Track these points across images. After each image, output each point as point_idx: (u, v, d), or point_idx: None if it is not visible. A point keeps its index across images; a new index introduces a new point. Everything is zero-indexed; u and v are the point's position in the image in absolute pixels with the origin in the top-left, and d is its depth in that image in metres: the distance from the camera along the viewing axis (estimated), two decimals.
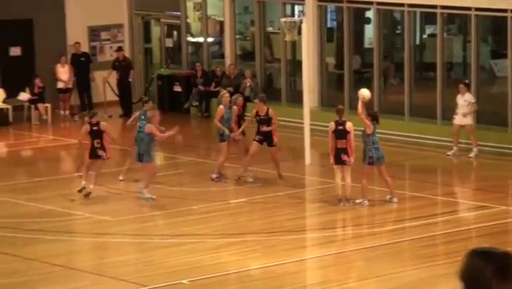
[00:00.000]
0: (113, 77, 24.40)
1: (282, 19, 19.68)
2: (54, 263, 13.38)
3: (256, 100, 17.60)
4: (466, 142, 19.63)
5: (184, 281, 12.64)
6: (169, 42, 25.62)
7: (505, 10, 19.67)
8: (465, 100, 19.49)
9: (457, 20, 21.71)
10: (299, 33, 19.09)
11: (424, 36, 22.33)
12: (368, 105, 16.76)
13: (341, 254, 13.86)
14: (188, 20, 25.17)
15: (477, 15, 20.26)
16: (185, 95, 24.08)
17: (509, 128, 19.93)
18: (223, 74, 23.75)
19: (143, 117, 17.12)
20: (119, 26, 25.36)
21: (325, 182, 17.33)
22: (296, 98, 21.51)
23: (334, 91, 22.81)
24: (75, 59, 24.53)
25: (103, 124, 16.66)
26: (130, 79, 24.40)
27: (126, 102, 24.20)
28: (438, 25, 20.82)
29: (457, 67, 21.85)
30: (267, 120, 17.28)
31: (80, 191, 16.42)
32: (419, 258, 13.52)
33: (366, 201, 16.07)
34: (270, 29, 24.02)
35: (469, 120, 19.50)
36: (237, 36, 24.29)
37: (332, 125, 16.09)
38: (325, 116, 19.58)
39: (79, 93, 24.65)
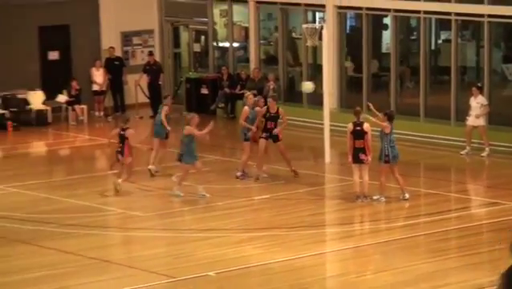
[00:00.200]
0: (144, 80, 24.59)
1: (304, 25, 19.77)
2: (88, 256, 13.56)
3: (269, 99, 17.83)
4: (479, 142, 19.64)
5: (210, 273, 12.76)
6: (197, 47, 25.77)
7: None
8: (477, 102, 19.50)
9: (470, 26, 21.69)
10: (320, 38, 19.19)
11: (439, 41, 22.32)
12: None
13: (358, 247, 13.94)
14: (215, 26, 25.31)
15: (489, 22, 20.26)
16: (212, 98, 24.23)
17: None
18: (248, 77, 23.88)
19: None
20: (150, 32, 25.56)
21: (344, 180, 17.42)
22: (317, 100, 21.58)
23: (352, 93, 22.85)
24: (109, 62, 24.73)
25: (129, 132, 16.86)
26: (160, 82, 24.57)
27: (156, 104, 24.33)
28: (452, 31, 20.83)
29: (470, 71, 21.83)
30: (276, 118, 17.53)
31: (117, 190, 16.80)
32: (432, 252, 13.57)
33: (383, 198, 16.14)
34: (292, 34, 24.11)
35: (481, 122, 19.52)
36: (262, 41, 24.39)
37: (350, 126, 16.17)
38: (344, 117, 19.64)
39: (113, 95, 24.85)
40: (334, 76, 22.25)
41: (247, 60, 24.49)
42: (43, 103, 23.74)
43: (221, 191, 16.90)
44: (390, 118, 16.11)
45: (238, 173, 17.72)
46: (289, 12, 23.79)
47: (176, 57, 26.24)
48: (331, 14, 22.40)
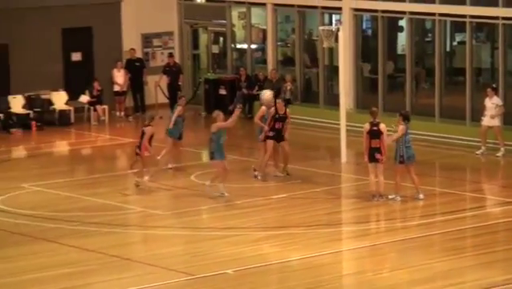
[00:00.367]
0: (164, 81, 24.58)
1: (321, 27, 19.73)
2: (110, 254, 13.52)
3: (278, 100, 17.80)
4: (494, 142, 19.48)
5: (228, 271, 12.70)
6: (216, 49, 25.74)
7: None
8: (492, 103, 19.36)
9: (485, 28, 21.53)
10: (336, 40, 19.10)
11: (454, 43, 22.17)
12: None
13: (375, 246, 13.84)
14: (234, 28, 25.26)
15: (504, 24, 20.11)
16: (230, 98, 24.17)
17: None
18: (265, 78, 23.81)
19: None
20: (170, 34, 25.55)
21: (360, 179, 17.31)
22: (333, 101, 21.49)
23: (368, 94, 22.73)
24: (130, 64, 24.73)
25: (147, 128, 16.89)
26: (179, 83, 24.55)
27: (176, 104, 24.32)
28: (467, 33, 20.68)
29: (485, 72, 21.67)
30: (284, 119, 17.51)
31: (137, 185, 16.78)
32: (447, 251, 13.46)
33: (398, 197, 16.02)
34: (309, 36, 24.03)
35: (496, 122, 19.36)
36: (279, 43, 24.33)
37: (367, 126, 16.07)
38: (360, 117, 19.54)
39: (133, 96, 24.86)
40: (350, 77, 22.14)
41: (265, 62, 24.43)
42: (66, 103, 23.77)
43: (239, 190, 16.83)
44: (405, 118, 15.99)
45: (256, 173, 17.66)
46: (306, 14, 23.71)
47: (195, 58, 26.21)
48: (347, 17, 22.30)
